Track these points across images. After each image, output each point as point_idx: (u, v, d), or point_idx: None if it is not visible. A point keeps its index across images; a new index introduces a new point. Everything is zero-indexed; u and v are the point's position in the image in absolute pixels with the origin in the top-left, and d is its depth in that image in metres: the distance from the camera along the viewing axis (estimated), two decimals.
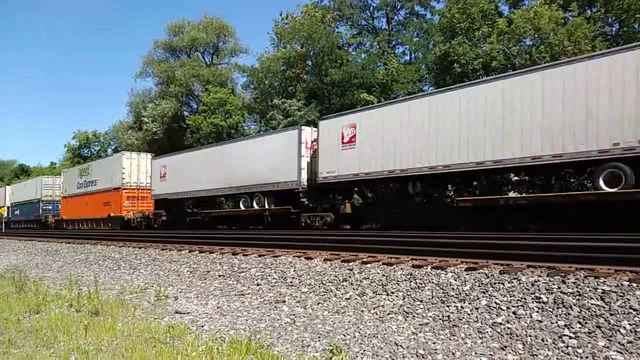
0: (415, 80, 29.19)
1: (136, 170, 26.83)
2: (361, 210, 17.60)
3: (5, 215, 41.20)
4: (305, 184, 16.89)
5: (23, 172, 71.39)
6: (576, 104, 10.81)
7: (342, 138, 15.74)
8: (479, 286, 6.02)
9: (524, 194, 13.29)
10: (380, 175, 14.75)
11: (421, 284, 6.54)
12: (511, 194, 13.44)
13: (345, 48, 32.43)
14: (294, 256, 9.57)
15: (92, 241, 18.83)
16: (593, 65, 10.71)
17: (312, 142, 17.17)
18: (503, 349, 4.62)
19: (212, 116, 35.39)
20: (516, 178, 13.97)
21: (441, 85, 23.20)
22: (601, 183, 10.56)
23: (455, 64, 23.10)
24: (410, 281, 6.71)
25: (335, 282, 7.49)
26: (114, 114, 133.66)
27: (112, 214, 26.77)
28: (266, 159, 18.21)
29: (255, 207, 18.72)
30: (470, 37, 23.48)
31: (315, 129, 17.44)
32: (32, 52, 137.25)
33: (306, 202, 17.21)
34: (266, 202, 18.42)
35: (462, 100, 12.90)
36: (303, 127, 17.85)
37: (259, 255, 10.26)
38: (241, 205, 19.52)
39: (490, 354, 4.49)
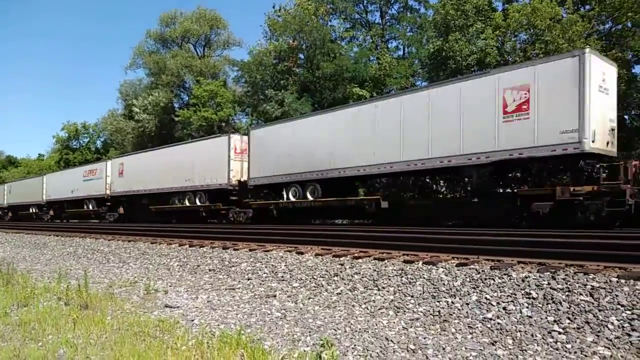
0: (408, 75, 29.14)
1: None
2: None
3: None
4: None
5: (10, 164, 70.06)
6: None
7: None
8: (469, 282, 6.05)
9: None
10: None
11: (412, 279, 6.56)
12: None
13: (338, 42, 32.26)
14: (285, 251, 9.56)
15: (81, 234, 18.66)
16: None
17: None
18: (493, 344, 4.65)
19: (202, 109, 35.13)
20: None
21: (434, 80, 23.24)
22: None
23: (450, 60, 23.13)
24: (402, 276, 6.73)
25: (327, 277, 7.49)
26: (104, 106, 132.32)
27: None
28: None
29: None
30: (465, 33, 23.48)
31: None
32: (20, 41, 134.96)
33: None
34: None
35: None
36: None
37: (250, 250, 10.23)
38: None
39: (480, 349, 4.51)
